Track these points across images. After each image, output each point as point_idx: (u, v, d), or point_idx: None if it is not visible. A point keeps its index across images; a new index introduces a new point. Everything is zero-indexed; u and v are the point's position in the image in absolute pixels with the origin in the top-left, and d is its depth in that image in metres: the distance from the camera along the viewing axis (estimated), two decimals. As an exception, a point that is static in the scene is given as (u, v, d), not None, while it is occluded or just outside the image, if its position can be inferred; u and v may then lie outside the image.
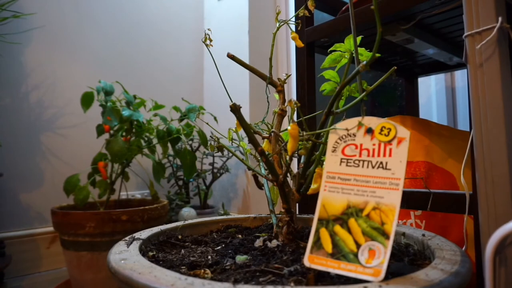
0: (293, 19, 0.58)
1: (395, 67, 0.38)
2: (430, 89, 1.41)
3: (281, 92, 0.54)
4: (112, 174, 1.12)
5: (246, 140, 0.53)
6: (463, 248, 0.57)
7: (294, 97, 1.14)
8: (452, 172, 0.77)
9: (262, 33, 1.58)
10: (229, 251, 0.46)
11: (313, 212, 0.41)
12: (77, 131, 1.37)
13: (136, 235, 0.51)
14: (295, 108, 0.54)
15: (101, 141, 1.20)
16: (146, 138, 1.19)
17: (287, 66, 1.60)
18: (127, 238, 0.49)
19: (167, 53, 1.66)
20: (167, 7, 1.67)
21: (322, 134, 0.46)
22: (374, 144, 0.37)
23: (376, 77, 1.29)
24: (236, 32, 1.60)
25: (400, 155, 0.35)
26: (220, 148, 0.53)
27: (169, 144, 1.18)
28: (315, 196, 0.40)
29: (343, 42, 0.51)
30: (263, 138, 0.55)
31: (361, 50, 0.51)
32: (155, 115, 1.21)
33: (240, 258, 0.42)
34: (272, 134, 0.52)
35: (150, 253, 0.45)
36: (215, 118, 1.36)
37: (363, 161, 0.37)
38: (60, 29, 1.35)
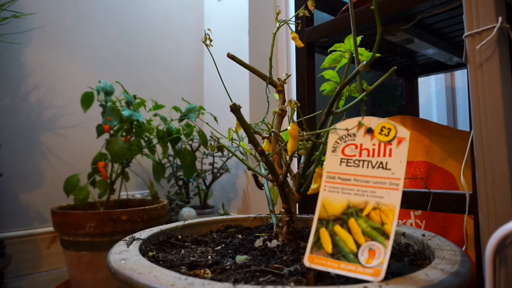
0: (293, 19, 0.58)
1: (395, 67, 0.38)
2: (430, 89, 1.41)
3: (281, 92, 0.54)
4: (112, 174, 1.12)
5: (246, 140, 0.53)
6: (463, 248, 0.57)
7: (294, 97, 1.14)
8: (452, 172, 0.77)
9: (262, 33, 1.58)
10: (229, 251, 0.46)
11: (313, 212, 0.41)
12: (77, 131, 1.37)
13: (136, 235, 0.51)
14: (295, 108, 0.54)
15: (101, 141, 1.20)
16: (146, 138, 1.19)
17: (287, 66, 1.60)
18: (127, 238, 0.49)
19: (167, 53, 1.66)
20: (167, 7, 1.67)
21: (322, 134, 0.46)
22: (374, 144, 0.37)
23: (376, 77, 1.29)
24: (236, 32, 1.59)
25: (400, 155, 0.35)
26: (220, 148, 0.53)
27: (169, 144, 1.18)
28: (315, 196, 0.40)
29: (343, 42, 0.51)
30: (263, 138, 0.55)
31: (361, 50, 0.51)
32: (155, 115, 1.21)
33: (240, 258, 0.42)
34: (272, 134, 0.52)
35: (150, 253, 0.45)
36: (215, 118, 1.36)
37: (363, 161, 0.37)
38: (60, 29, 1.35)
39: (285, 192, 0.47)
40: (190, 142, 1.50)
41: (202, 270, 0.39)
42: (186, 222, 0.60)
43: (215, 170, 1.52)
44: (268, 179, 0.49)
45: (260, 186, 0.56)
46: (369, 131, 0.37)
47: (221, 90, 1.69)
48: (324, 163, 0.39)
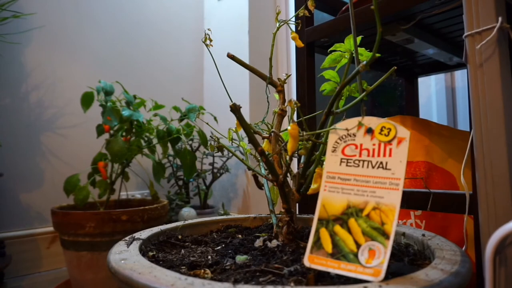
0: (293, 19, 0.58)
1: (395, 67, 0.38)
2: (430, 89, 1.41)
3: (281, 92, 0.54)
4: (112, 174, 1.12)
5: (246, 140, 0.53)
6: (463, 248, 0.57)
7: (294, 97, 1.14)
8: (452, 172, 0.77)
9: (262, 33, 1.58)
10: (229, 251, 0.46)
11: (313, 212, 0.41)
12: (77, 131, 1.37)
13: (136, 235, 0.51)
14: (295, 108, 0.54)
15: (101, 141, 1.20)
16: (146, 138, 1.19)
17: (287, 66, 1.60)
18: (127, 238, 0.49)
19: (167, 53, 1.66)
20: (167, 7, 1.67)
21: (322, 134, 0.46)
22: (374, 144, 0.37)
23: (376, 77, 1.29)
24: (236, 32, 1.59)
25: (400, 155, 0.35)
26: (220, 148, 0.53)
27: (169, 144, 1.18)
28: (315, 196, 0.40)
29: (343, 42, 0.51)
30: (263, 138, 0.55)
31: (361, 50, 0.51)
32: (155, 115, 1.21)
33: (240, 258, 0.42)
34: (272, 134, 0.52)
35: (150, 253, 0.45)
36: (215, 118, 1.36)
37: (363, 161, 0.37)
38: (60, 29, 1.35)
39: (285, 192, 0.47)
40: (190, 142, 1.50)
41: (202, 270, 0.39)
42: (186, 222, 0.60)
43: (215, 170, 1.52)
44: (268, 179, 0.49)
45: (260, 186, 0.56)
46: (369, 131, 0.37)
47: (221, 90, 1.69)
48: (324, 163, 0.39)
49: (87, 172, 1.12)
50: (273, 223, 0.52)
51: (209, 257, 0.44)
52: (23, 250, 1.19)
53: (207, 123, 0.66)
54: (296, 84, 0.84)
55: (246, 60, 1.44)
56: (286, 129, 0.49)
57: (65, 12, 1.36)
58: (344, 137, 0.39)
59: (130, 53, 1.54)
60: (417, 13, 0.66)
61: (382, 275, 0.31)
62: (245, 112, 1.51)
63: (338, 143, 0.39)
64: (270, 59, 0.55)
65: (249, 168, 0.52)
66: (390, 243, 0.33)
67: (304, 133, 0.43)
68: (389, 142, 0.36)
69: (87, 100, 1.11)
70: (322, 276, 0.36)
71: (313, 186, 0.45)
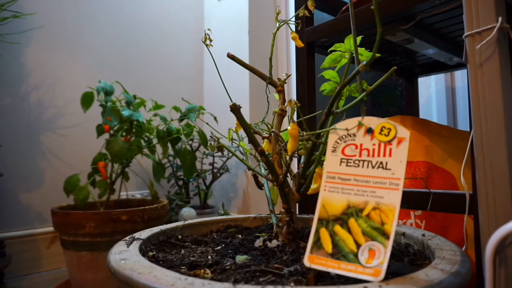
0: (293, 19, 0.58)
1: (395, 67, 0.38)
2: (430, 89, 1.41)
3: (281, 92, 0.54)
4: (112, 174, 1.12)
5: (246, 140, 0.53)
6: (463, 248, 0.57)
7: (294, 97, 1.14)
8: (452, 172, 0.77)
9: (262, 33, 1.58)
10: (229, 251, 0.46)
11: (313, 212, 0.41)
12: (77, 131, 1.37)
13: (136, 235, 0.51)
14: (295, 108, 0.54)
15: (101, 141, 1.20)
16: (146, 138, 1.19)
17: (287, 66, 1.60)
18: (127, 238, 0.49)
19: (167, 53, 1.66)
20: (167, 7, 1.67)
21: (322, 134, 0.46)
22: (374, 144, 0.37)
23: (376, 77, 1.29)
24: (236, 32, 1.59)
25: (400, 155, 0.35)
26: (220, 148, 0.53)
27: (169, 144, 1.18)
28: (315, 196, 0.40)
29: (343, 42, 0.51)
30: (263, 138, 0.55)
31: (361, 50, 0.51)
32: (155, 115, 1.21)
33: (240, 258, 0.42)
34: (272, 134, 0.52)
35: (150, 253, 0.45)
36: (215, 118, 1.36)
37: (363, 161, 0.37)
38: (60, 29, 1.35)
39: (285, 192, 0.47)
40: (190, 142, 1.50)
41: (202, 270, 0.39)
42: (186, 222, 0.60)
43: (215, 170, 1.52)
44: (268, 179, 0.49)
45: (260, 186, 0.56)
46: (369, 131, 0.37)
47: (221, 90, 1.69)
48: (324, 163, 0.39)
49: (87, 172, 1.12)
50: (273, 223, 0.52)
51: (209, 257, 0.44)
52: (23, 250, 1.19)
53: (207, 123, 0.66)
54: (296, 84, 0.84)
55: (246, 60, 1.44)
56: (286, 129, 0.49)
57: (65, 12, 1.36)
58: (344, 137, 0.39)
59: (130, 53, 1.54)
60: (417, 13, 0.66)
61: (382, 275, 0.31)
62: (245, 112, 1.51)
63: (338, 143, 0.39)
64: (270, 59, 0.55)
65: (249, 168, 0.52)
66: (390, 243, 0.33)
67: (304, 133, 0.43)
68: (389, 142, 0.36)
69: (87, 100, 1.11)
70: (322, 276, 0.36)
71: (313, 186, 0.45)
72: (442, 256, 0.38)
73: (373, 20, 0.55)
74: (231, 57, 0.53)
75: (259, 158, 0.54)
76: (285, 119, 0.55)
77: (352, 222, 0.35)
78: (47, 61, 1.31)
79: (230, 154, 1.52)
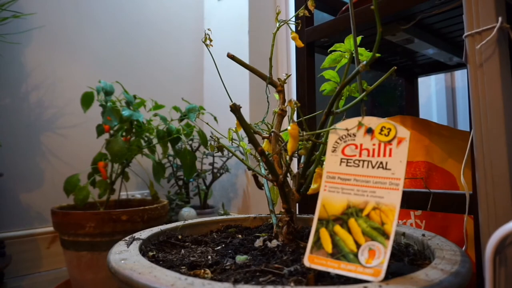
0: (293, 19, 0.58)
1: (395, 67, 0.38)
2: (430, 89, 1.41)
3: (281, 92, 0.54)
4: (112, 174, 1.12)
5: (246, 140, 0.53)
6: (463, 248, 0.57)
7: (294, 97, 1.14)
8: (452, 172, 0.77)
9: (262, 33, 1.58)
10: (229, 251, 0.46)
11: (313, 212, 0.41)
12: (77, 131, 1.37)
13: (136, 235, 0.51)
14: (295, 108, 0.54)
15: (101, 141, 1.20)
16: (146, 138, 1.19)
17: (287, 66, 1.60)
18: (127, 238, 0.49)
19: (167, 53, 1.66)
20: (167, 7, 1.67)
21: (322, 134, 0.46)
22: (374, 144, 0.37)
23: (376, 77, 1.29)
24: (236, 32, 1.59)
25: (400, 155, 0.35)
26: (220, 148, 0.53)
27: (169, 144, 1.18)
28: (315, 196, 0.40)
29: (343, 42, 0.51)
30: (263, 138, 0.55)
31: (361, 50, 0.51)
32: (155, 115, 1.21)
33: (240, 258, 0.42)
34: (272, 134, 0.52)
35: (150, 253, 0.45)
36: (215, 118, 1.36)
37: (363, 161, 0.37)
38: (60, 29, 1.35)
39: (285, 192, 0.47)
40: (190, 142, 1.50)
41: (202, 270, 0.39)
42: (186, 222, 0.60)
43: (215, 170, 1.52)
44: (268, 179, 0.49)
45: (260, 186, 0.56)
46: (369, 131, 0.37)
47: (221, 90, 1.69)
48: (324, 163, 0.39)
49: (87, 172, 1.12)
50: (273, 223, 0.52)
51: (209, 257, 0.44)
52: (23, 250, 1.19)
53: (207, 123, 0.66)
54: (296, 84, 0.84)
55: (246, 60, 1.44)
56: (286, 129, 0.49)
57: (65, 12, 1.36)
58: (344, 137, 0.39)
59: (130, 53, 1.54)
60: (417, 13, 0.66)
61: (382, 275, 0.31)
62: (245, 112, 1.51)
63: (338, 143, 0.39)
64: (270, 59, 0.55)
65: (249, 168, 0.52)
66: (390, 243, 0.33)
67: (304, 133, 0.43)
68: (389, 142, 0.36)
69: (87, 100, 1.11)
70: (322, 276, 0.36)
71: (313, 186, 0.45)
72: (442, 256, 0.38)
73: (373, 20, 0.55)
74: (231, 57, 0.53)
75: (259, 158, 0.54)
76: (285, 119, 0.55)
77: (352, 222, 0.35)
78: (47, 61, 1.31)
79: (230, 154, 1.52)
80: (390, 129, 0.36)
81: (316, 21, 0.84)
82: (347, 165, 0.38)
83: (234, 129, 0.58)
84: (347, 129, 0.39)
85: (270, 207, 0.55)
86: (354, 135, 0.38)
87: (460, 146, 0.80)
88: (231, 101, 0.43)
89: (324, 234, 0.36)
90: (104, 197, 1.13)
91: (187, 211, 1.35)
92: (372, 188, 0.36)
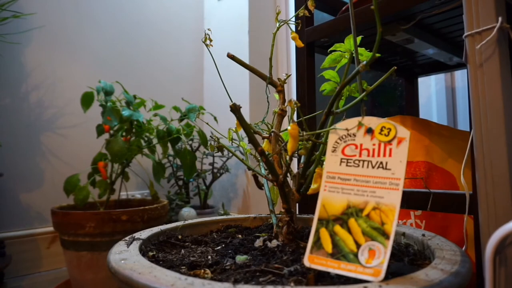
0: (293, 19, 0.58)
1: (395, 67, 0.38)
2: (430, 89, 1.41)
3: (281, 92, 0.54)
4: (112, 174, 1.12)
5: (246, 140, 0.53)
6: (463, 248, 0.57)
7: (294, 97, 1.14)
8: (452, 172, 0.77)
9: (262, 33, 1.58)
10: (229, 251, 0.46)
11: (313, 212, 0.41)
12: (77, 131, 1.37)
13: (136, 235, 0.51)
14: (295, 108, 0.54)
15: (101, 141, 1.20)
16: (146, 138, 1.19)
17: (287, 66, 1.60)
18: (127, 238, 0.49)
19: (167, 53, 1.66)
20: (167, 7, 1.67)
21: (322, 134, 0.46)
22: (374, 144, 0.37)
23: (376, 77, 1.29)
24: (236, 32, 1.59)
25: (400, 155, 0.35)
26: (220, 148, 0.53)
27: (169, 144, 1.18)
28: (315, 196, 0.40)
29: (343, 42, 0.51)
30: (263, 138, 0.55)
31: (361, 50, 0.51)
32: (155, 115, 1.21)
33: (240, 258, 0.42)
34: (272, 134, 0.52)
35: (150, 253, 0.45)
36: (215, 118, 1.36)
37: (363, 161, 0.37)
38: (60, 29, 1.35)
39: (285, 192, 0.47)
40: (190, 142, 1.50)
41: (202, 270, 0.39)
42: (186, 222, 0.60)
43: (215, 170, 1.52)
44: (268, 179, 0.49)
45: (260, 186, 0.56)
46: (369, 131, 0.37)
47: (221, 90, 1.69)
48: (324, 163, 0.39)
49: (87, 172, 1.12)
50: (273, 223, 0.52)
51: (209, 257, 0.44)
52: (23, 250, 1.19)
53: (207, 123, 0.66)
54: (296, 84, 0.84)
55: (246, 60, 1.44)
56: (286, 129, 0.49)
57: (65, 12, 1.36)
58: (344, 137, 0.39)
59: (130, 53, 1.54)
60: (417, 13, 0.66)
61: (382, 275, 0.31)
62: (245, 112, 1.51)
63: (338, 143, 0.39)
64: (270, 59, 0.55)
65: (249, 168, 0.52)
66: (390, 243, 0.33)
67: (304, 133, 0.43)
68: (389, 142, 0.36)
69: (87, 100, 1.11)
70: (322, 276, 0.36)
71: (313, 186, 0.45)
72: (442, 256, 0.38)
73: (373, 20, 0.55)
74: (231, 57, 0.53)
75: (259, 158, 0.54)
76: (285, 119, 0.55)
77: (352, 222, 0.35)
78: (47, 61, 1.31)
79: (230, 154, 1.52)
80: (390, 129, 0.36)
81: (316, 21, 0.84)
82: (347, 165, 0.38)
83: (234, 129, 0.58)
84: (347, 129, 0.39)
85: (270, 207, 0.55)
86: (354, 135, 0.38)
87: (460, 146, 0.80)
88: (231, 101, 0.43)
89: (324, 234, 0.36)
90: (104, 197, 1.13)
91: (187, 211, 1.35)
92: (372, 188, 0.36)
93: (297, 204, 0.52)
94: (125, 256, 0.40)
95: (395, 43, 0.80)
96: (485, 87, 0.43)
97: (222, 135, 0.59)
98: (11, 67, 1.23)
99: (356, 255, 0.33)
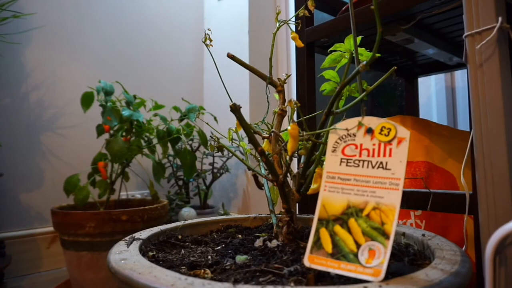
0: (293, 19, 0.58)
1: (395, 67, 0.38)
2: (430, 89, 1.41)
3: (281, 92, 0.54)
4: (112, 174, 1.12)
5: (246, 140, 0.53)
6: (463, 248, 0.57)
7: (294, 97, 1.14)
8: (452, 172, 0.77)
9: (262, 33, 1.58)
10: (229, 251, 0.46)
11: (313, 212, 0.41)
12: (77, 131, 1.37)
13: (136, 235, 0.51)
14: (295, 108, 0.54)
15: (101, 141, 1.20)
16: (146, 138, 1.19)
17: (287, 66, 1.60)
18: (127, 238, 0.49)
19: (167, 53, 1.66)
20: (167, 7, 1.67)
21: (322, 134, 0.46)
22: (374, 144, 0.37)
23: (376, 77, 1.29)
24: (236, 32, 1.59)
25: (400, 155, 0.35)
26: (220, 148, 0.53)
27: (169, 144, 1.18)
28: (315, 196, 0.40)
29: (343, 42, 0.51)
30: (263, 138, 0.55)
31: (361, 50, 0.51)
32: (155, 115, 1.21)
33: (240, 258, 0.42)
34: (272, 134, 0.52)
35: (150, 253, 0.45)
36: (215, 118, 1.36)
37: (363, 161, 0.37)
38: (60, 29, 1.35)
39: (285, 192, 0.47)
40: (190, 142, 1.50)
41: (202, 270, 0.39)
42: (186, 222, 0.60)
43: (215, 170, 1.52)
44: (268, 179, 0.49)
45: (260, 186, 0.56)
46: (369, 131, 0.37)
47: (221, 90, 1.69)
48: (324, 163, 0.39)
49: (87, 172, 1.12)
50: (273, 223, 0.52)
51: (209, 257, 0.44)
52: (23, 250, 1.19)
53: (207, 123, 0.66)
54: (296, 84, 0.84)
55: (246, 60, 1.44)
56: (286, 129, 0.49)
57: (65, 12, 1.36)
58: (344, 137, 0.39)
59: (130, 53, 1.54)
60: (417, 13, 0.66)
61: (382, 275, 0.31)
62: (245, 112, 1.51)
63: (338, 143, 0.39)
64: (270, 59, 0.55)
65: (249, 168, 0.52)
66: (390, 243, 0.33)
67: (304, 133, 0.43)
68: (389, 142, 0.36)
69: (87, 100, 1.11)
70: (322, 276, 0.36)
71: (313, 186, 0.45)
72: (442, 256, 0.38)
73: (373, 20, 0.55)
74: (231, 57, 0.53)
75: (259, 158, 0.54)
76: (285, 119, 0.55)
77: (352, 222, 0.35)
78: (47, 61, 1.31)
79: (230, 154, 1.52)
80: (390, 129, 0.36)
81: (316, 21, 0.84)
82: (347, 165, 0.38)
83: (234, 129, 0.58)
84: (347, 129, 0.39)
85: (270, 207, 0.55)
86: (354, 135, 0.38)
87: (460, 146, 0.80)
88: (231, 101, 0.43)
89: (324, 234, 0.36)
90: (104, 197, 1.13)
91: (187, 211, 1.35)
92: (372, 188, 0.36)
93: (297, 204, 0.52)
94: (125, 256, 0.40)
95: (395, 43, 0.80)
96: (485, 87, 0.43)
97: (222, 135, 0.59)
98: (11, 67, 1.23)
99: (356, 255, 0.33)
